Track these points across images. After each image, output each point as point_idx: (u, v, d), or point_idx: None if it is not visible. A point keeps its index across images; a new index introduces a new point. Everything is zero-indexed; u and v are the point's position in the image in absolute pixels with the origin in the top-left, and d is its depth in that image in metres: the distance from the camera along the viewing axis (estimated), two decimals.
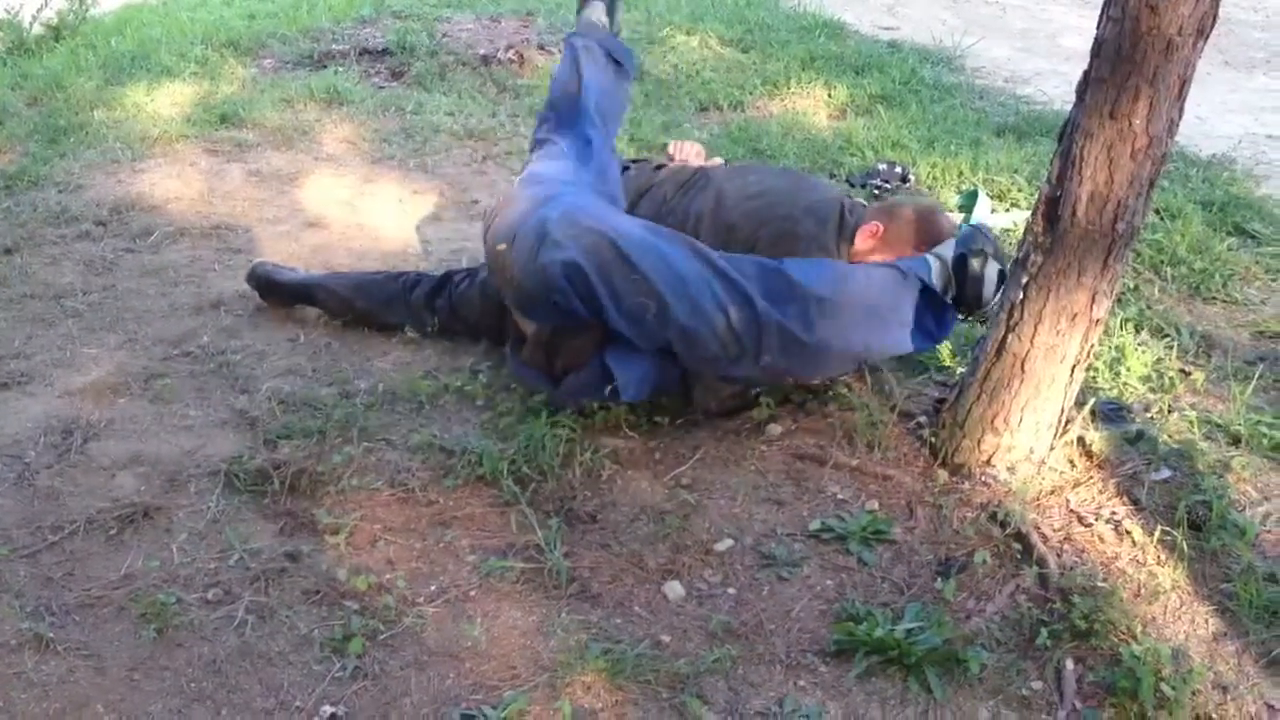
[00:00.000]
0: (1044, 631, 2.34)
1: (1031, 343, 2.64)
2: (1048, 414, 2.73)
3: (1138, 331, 3.46)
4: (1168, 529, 2.60)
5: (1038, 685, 2.26)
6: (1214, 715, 2.18)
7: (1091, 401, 2.93)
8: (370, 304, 3.40)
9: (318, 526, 2.60)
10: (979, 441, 2.79)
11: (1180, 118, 2.48)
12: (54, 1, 6.43)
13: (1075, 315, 2.59)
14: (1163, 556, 2.56)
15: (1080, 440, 2.85)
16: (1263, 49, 7.23)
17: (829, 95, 5.62)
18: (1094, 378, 3.16)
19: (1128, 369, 3.23)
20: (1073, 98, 2.54)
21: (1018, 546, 2.59)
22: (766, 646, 2.35)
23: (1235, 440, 2.95)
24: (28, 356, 3.20)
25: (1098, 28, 2.44)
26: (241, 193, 4.35)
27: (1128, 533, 2.62)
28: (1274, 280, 3.91)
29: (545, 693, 2.19)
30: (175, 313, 3.48)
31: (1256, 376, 3.21)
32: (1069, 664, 2.28)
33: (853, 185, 4.50)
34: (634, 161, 3.48)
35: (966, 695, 2.24)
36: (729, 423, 3.03)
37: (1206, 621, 2.41)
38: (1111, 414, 3.01)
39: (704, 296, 2.73)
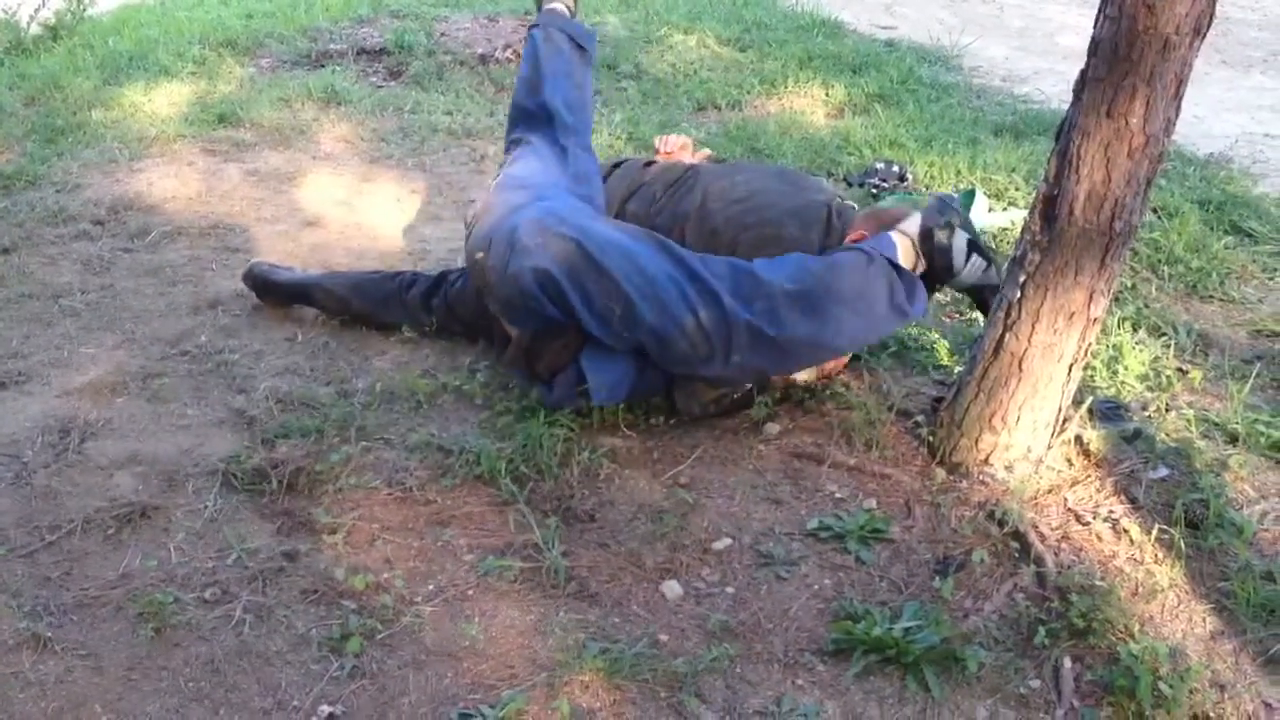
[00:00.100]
0: (1042, 630, 2.34)
1: (1029, 341, 2.64)
2: (1045, 413, 2.74)
3: (1135, 330, 3.47)
4: (1165, 527, 2.60)
5: (1035, 684, 2.26)
6: (1211, 714, 2.18)
7: (1089, 400, 2.93)
8: (367, 303, 3.39)
9: (315, 526, 2.60)
10: (977, 440, 2.79)
11: (1177, 116, 2.48)
12: (51, 1, 6.42)
13: (1073, 314, 2.60)
14: (1160, 555, 2.56)
15: (1078, 439, 2.86)
16: (1260, 48, 7.24)
17: (826, 94, 5.62)
18: (1091, 376, 3.16)
19: (1125, 368, 3.24)
20: (1070, 96, 2.54)
21: (1015, 545, 2.59)
22: (764, 645, 2.35)
23: (1233, 439, 2.95)
24: (25, 356, 3.20)
25: (1095, 27, 2.44)
26: (239, 192, 4.35)
27: (1125, 531, 2.62)
28: (1271, 279, 3.92)
29: (543, 692, 2.19)
30: (173, 312, 3.47)
31: (1254, 375, 3.21)
32: (1067, 662, 2.29)
33: (850, 184, 4.49)
34: (623, 160, 3.47)
35: (964, 694, 2.24)
36: (727, 422, 3.03)
37: (1204, 620, 2.41)
38: (1109, 413, 3.01)
39: (671, 296, 2.75)
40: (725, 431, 3.01)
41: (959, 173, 4.60)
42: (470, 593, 2.45)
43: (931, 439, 2.90)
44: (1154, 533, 2.59)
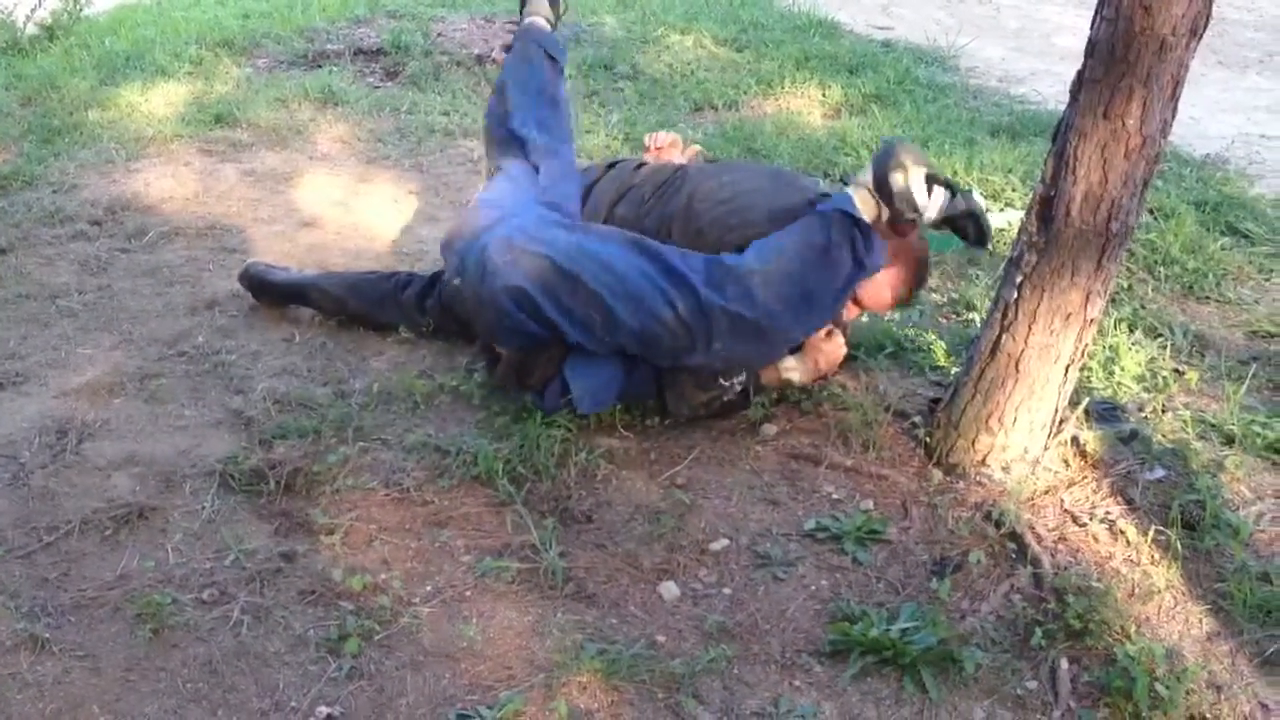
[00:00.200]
0: (1039, 631, 2.35)
1: (1026, 342, 2.64)
2: (1042, 414, 2.74)
3: (1132, 331, 3.47)
4: (1162, 529, 2.60)
5: (1032, 685, 2.26)
6: (1208, 714, 2.19)
7: (1086, 401, 2.94)
8: (363, 304, 3.39)
9: (313, 526, 2.60)
10: (973, 441, 2.79)
11: (1174, 117, 2.48)
12: (48, 1, 6.41)
13: (1069, 315, 2.60)
14: (1157, 556, 2.56)
15: (1074, 440, 2.86)
16: (1255, 49, 7.25)
17: (823, 95, 5.62)
18: (1088, 377, 3.16)
19: (1122, 369, 3.24)
20: (1066, 97, 2.54)
21: (1012, 546, 2.59)
22: (762, 646, 2.35)
23: (1229, 440, 2.96)
24: (23, 357, 3.20)
25: (1091, 28, 2.44)
26: (236, 192, 4.35)
27: (1122, 532, 2.63)
28: (1267, 280, 3.92)
29: (541, 693, 2.19)
30: (170, 313, 3.47)
31: (1250, 376, 3.22)
32: (1064, 664, 2.29)
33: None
34: (617, 161, 3.46)
35: (961, 695, 2.24)
36: (724, 423, 3.03)
37: (1201, 621, 2.42)
38: (1106, 414, 3.01)
39: (647, 292, 2.77)
40: (722, 432, 3.01)
41: (956, 173, 4.60)
42: (468, 594, 2.45)
43: (928, 440, 2.90)
44: (1150, 534, 2.60)
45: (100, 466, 2.76)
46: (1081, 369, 2.79)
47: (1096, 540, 2.62)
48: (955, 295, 3.72)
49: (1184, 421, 3.01)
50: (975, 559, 2.55)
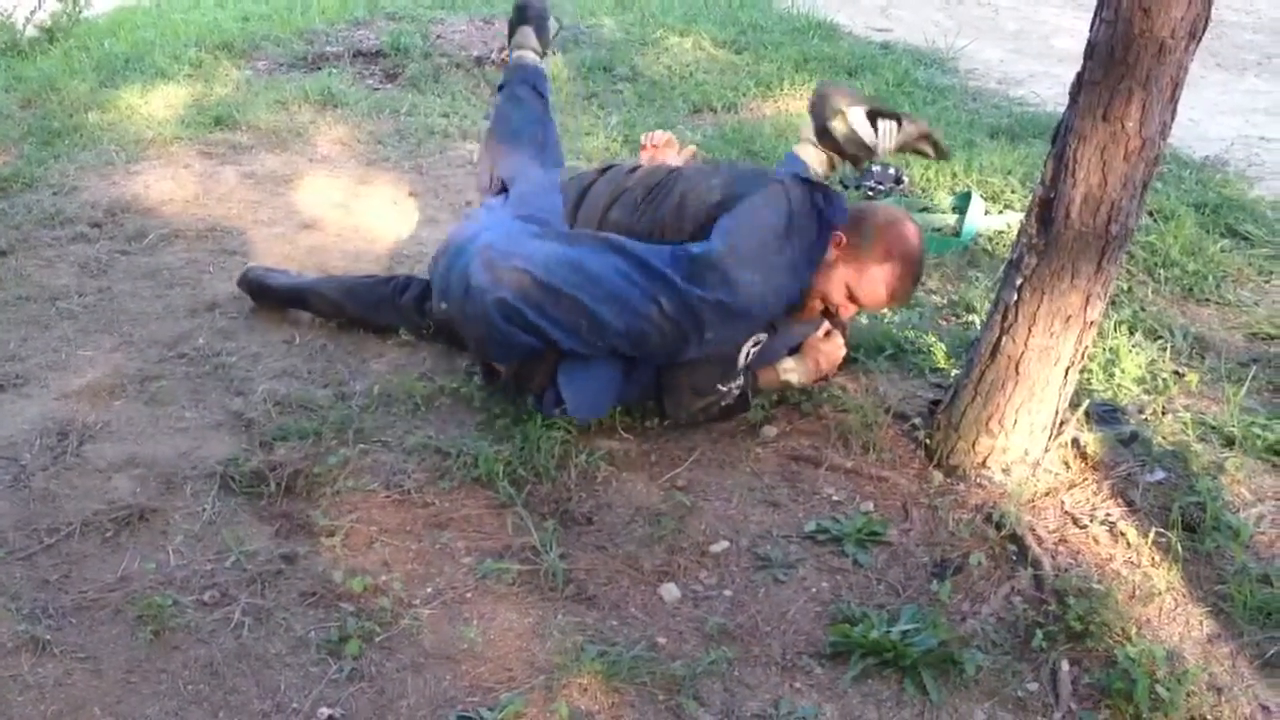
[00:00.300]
0: (1039, 633, 2.35)
1: (1026, 345, 2.65)
2: (1042, 416, 2.74)
3: (1131, 333, 3.47)
4: (1162, 531, 2.61)
5: (1033, 687, 2.27)
6: (1209, 716, 2.19)
7: (1086, 403, 2.94)
8: (361, 308, 3.39)
9: (314, 528, 2.60)
10: (974, 443, 2.80)
11: (1173, 120, 2.49)
12: (47, 3, 6.41)
13: (1069, 317, 2.60)
14: (1157, 558, 2.57)
15: (1075, 442, 2.86)
16: (1254, 51, 7.25)
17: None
18: (1088, 379, 3.17)
19: (1122, 371, 3.24)
20: (1065, 99, 2.55)
21: (1013, 548, 2.60)
22: (762, 648, 2.35)
23: (1229, 442, 2.96)
24: (23, 359, 3.20)
25: (1090, 30, 2.45)
26: (236, 195, 4.35)
27: (1122, 534, 2.63)
28: (1267, 281, 3.93)
29: (542, 694, 2.19)
30: (170, 315, 3.47)
31: (1250, 378, 3.22)
32: (1064, 665, 2.29)
33: (846, 187, 4.50)
34: (610, 165, 3.45)
35: (962, 697, 2.24)
36: (724, 425, 3.03)
37: (1201, 623, 2.42)
38: (1106, 416, 3.02)
39: (628, 292, 2.78)
40: (722, 434, 3.01)
41: (955, 175, 4.60)
42: (468, 595, 2.45)
43: (929, 442, 2.90)
44: (1151, 536, 2.60)
45: (101, 468, 2.76)
46: (1082, 371, 2.80)
47: (1097, 542, 2.62)
48: (955, 297, 3.73)
49: (1184, 423, 3.01)
50: (976, 561, 2.55)
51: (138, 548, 2.52)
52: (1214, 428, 3.01)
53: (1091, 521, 2.67)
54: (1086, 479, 2.80)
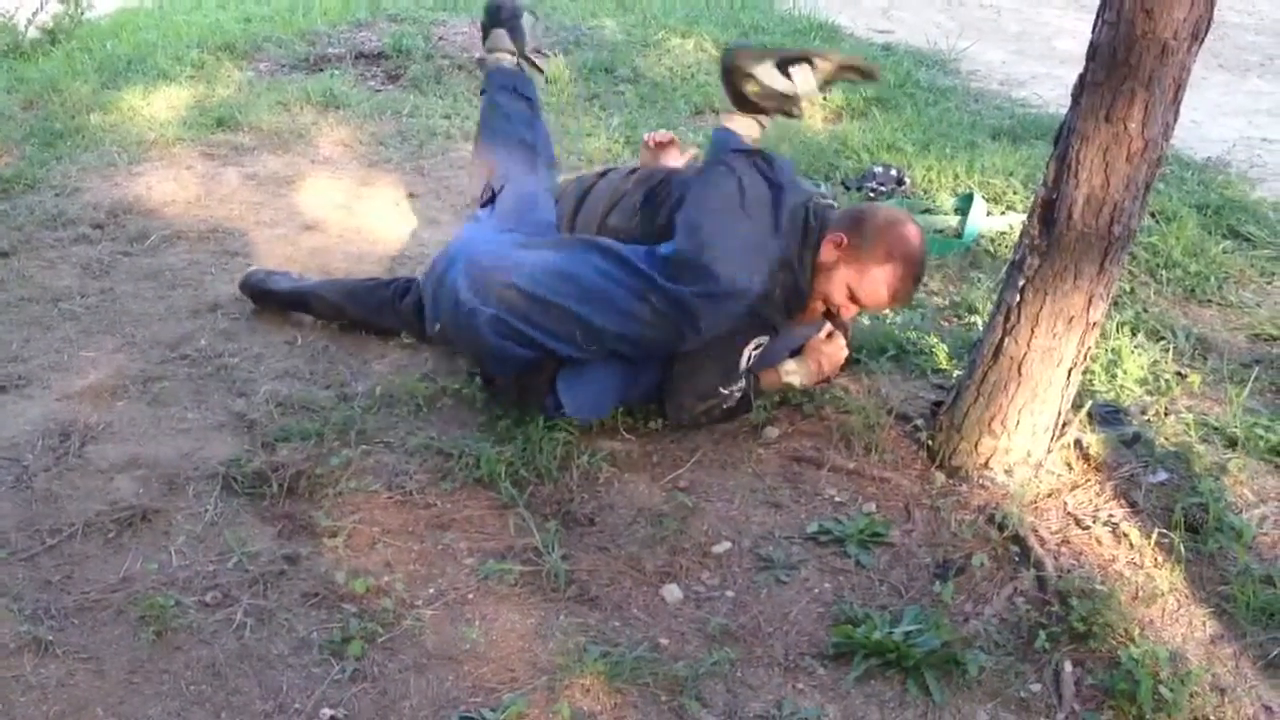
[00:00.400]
0: (1042, 634, 2.35)
1: (1028, 346, 2.64)
2: (1045, 417, 2.74)
3: (1134, 334, 3.47)
4: (1165, 532, 2.61)
5: (1036, 688, 2.27)
6: (1212, 717, 2.19)
7: (1088, 404, 2.94)
8: (362, 311, 3.39)
9: (316, 529, 2.60)
10: (976, 444, 2.79)
11: (1175, 121, 2.49)
12: (49, 5, 6.41)
13: (1072, 318, 2.60)
14: (1160, 559, 2.57)
15: (1077, 443, 2.86)
16: (1256, 52, 7.25)
17: (824, 98, 5.61)
18: (1090, 380, 3.17)
19: (1124, 372, 3.24)
20: (1068, 101, 2.55)
21: (1015, 549, 2.59)
22: (765, 649, 2.35)
23: (1232, 443, 2.96)
24: (25, 360, 3.20)
25: (1093, 31, 2.45)
26: (238, 196, 4.35)
27: (1125, 535, 2.63)
28: (1269, 283, 3.93)
29: (544, 695, 2.19)
30: (173, 316, 3.47)
31: (1252, 379, 3.22)
32: (1067, 666, 2.29)
33: (848, 188, 4.50)
34: (609, 170, 3.45)
35: (965, 698, 2.24)
36: (725, 426, 3.03)
37: (1204, 624, 2.42)
38: (1108, 417, 3.01)
39: (615, 293, 2.78)
40: (724, 435, 3.01)
41: (957, 176, 4.60)
42: (470, 596, 2.45)
43: (931, 443, 2.90)
44: (1154, 537, 2.60)
45: (103, 469, 2.76)
46: (1084, 372, 2.79)
47: (1100, 543, 2.62)
48: (957, 298, 3.73)
49: (1187, 424, 3.01)
50: (978, 562, 2.55)
51: (140, 548, 2.52)
52: (1216, 429, 3.01)
53: (1094, 522, 2.67)
54: (1089, 480, 2.80)
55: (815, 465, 2.89)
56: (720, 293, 2.74)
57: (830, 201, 3.09)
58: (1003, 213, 4.34)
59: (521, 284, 2.83)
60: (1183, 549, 2.56)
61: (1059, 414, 2.76)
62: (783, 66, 2.83)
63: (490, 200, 3.35)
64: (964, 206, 4.29)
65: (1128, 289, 3.77)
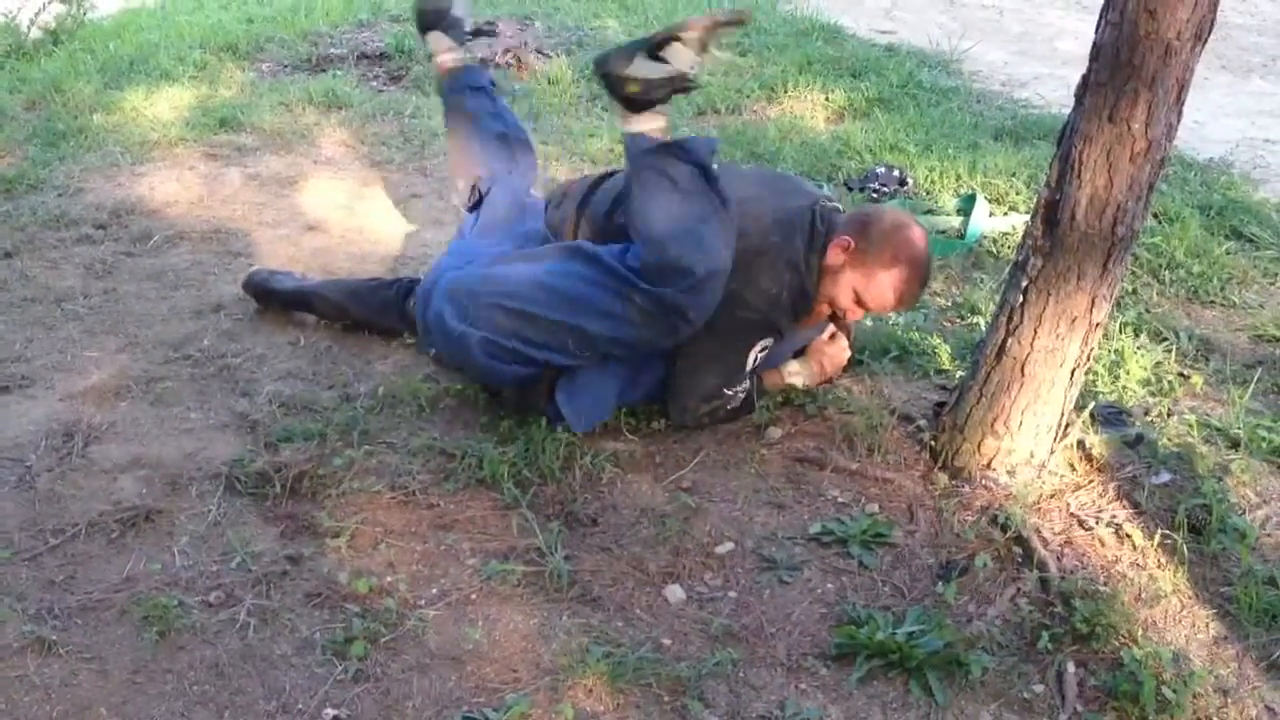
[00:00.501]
0: (1045, 635, 2.35)
1: (1031, 346, 2.64)
2: (1048, 417, 2.74)
3: (1137, 335, 3.47)
4: (1168, 532, 2.61)
5: (1039, 689, 2.27)
6: (1215, 719, 2.19)
7: (1091, 405, 2.94)
8: (364, 311, 3.39)
9: (319, 529, 2.60)
10: (979, 445, 2.79)
11: (1179, 121, 2.49)
12: (52, 5, 6.41)
13: (1075, 319, 2.60)
14: (1163, 560, 2.57)
15: (1080, 444, 2.86)
16: (1259, 53, 7.25)
17: (826, 99, 5.62)
18: (1093, 381, 3.17)
19: (1127, 372, 3.24)
20: (1070, 101, 2.55)
21: (1018, 550, 2.59)
22: (767, 650, 2.35)
23: (1234, 444, 2.96)
24: (28, 360, 3.20)
25: (1096, 32, 2.45)
26: (240, 196, 4.35)
27: (1128, 536, 2.63)
28: (1272, 284, 3.92)
29: (547, 696, 2.20)
30: (176, 316, 3.48)
31: (1255, 380, 3.22)
32: (1070, 667, 2.29)
33: (850, 189, 4.50)
34: (612, 171, 3.45)
35: (968, 699, 2.24)
36: (728, 426, 3.03)
37: (1207, 625, 2.42)
38: (1111, 417, 3.02)
39: (599, 297, 2.77)
40: (727, 436, 3.01)
41: (959, 177, 4.60)
42: (473, 596, 2.45)
43: (933, 444, 2.90)
44: (1156, 538, 2.60)
45: (106, 469, 2.76)
46: (1087, 373, 2.79)
47: (1102, 544, 2.62)
48: (960, 299, 3.73)
49: (1189, 425, 3.01)
50: (981, 563, 2.55)
51: (143, 548, 2.52)
52: (1219, 430, 3.01)
53: (1097, 523, 2.67)
54: (1092, 481, 2.80)
55: (818, 466, 2.89)
56: (699, 281, 2.72)
57: (836, 205, 3.08)
58: (1005, 213, 4.34)
59: (507, 303, 2.83)
60: (1186, 550, 2.56)
61: (1062, 415, 2.76)
62: (654, 54, 2.78)
63: (477, 204, 3.35)
64: (966, 207, 4.29)
65: (1130, 290, 3.77)
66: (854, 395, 3.11)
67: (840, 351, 3.09)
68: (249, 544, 2.54)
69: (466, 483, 2.78)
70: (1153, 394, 3.19)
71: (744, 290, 2.84)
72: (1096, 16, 2.45)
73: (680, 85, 2.80)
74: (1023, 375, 2.68)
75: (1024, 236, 2.67)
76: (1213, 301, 3.78)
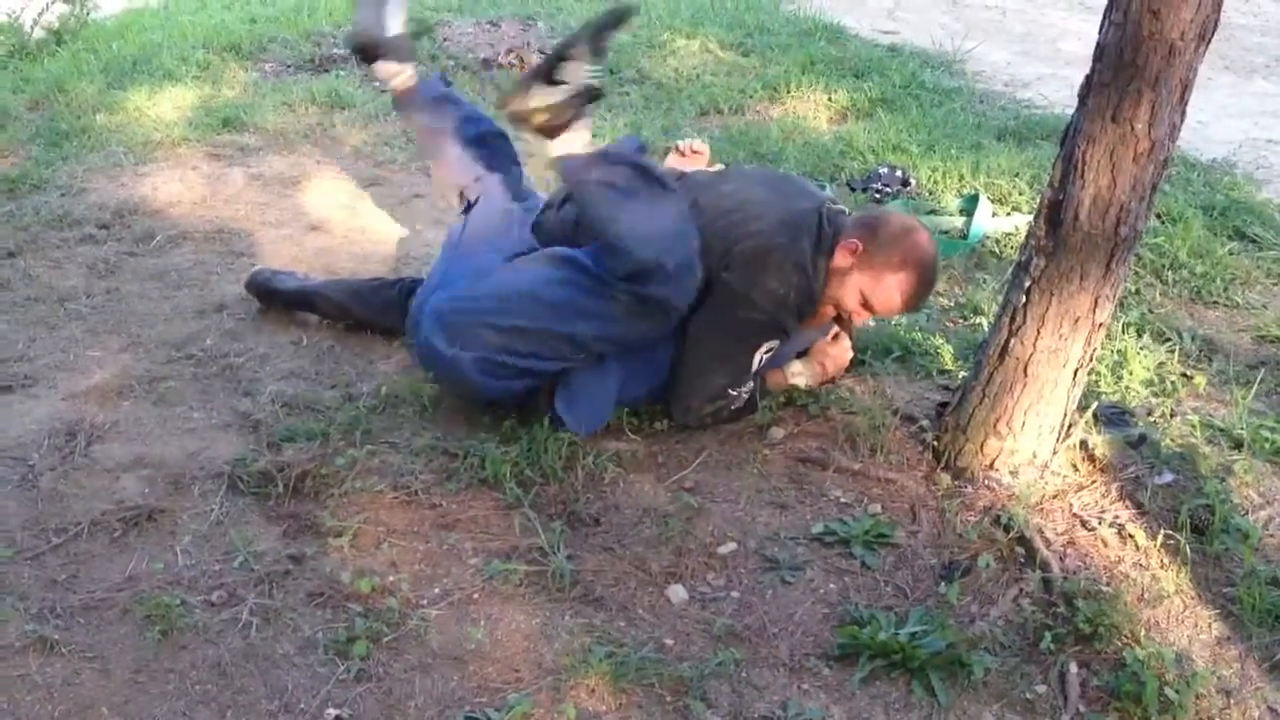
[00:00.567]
0: (1048, 635, 2.34)
1: (1034, 346, 2.64)
2: (1050, 418, 2.74)
3: (1140, 335, 3.47)
4: (1171, 533, 2.60)
5: (1042, 689, 2.26)
6: (1217, 719, 2.18)
7: (1094, 405, 2.94)
8: (366, 310, 3.39)
9: (321, 529, 2.60)
10: (982, 445, 2.79)
11: (1182, 122, 2.48)
12: (55, 5, 6.42)
13: (1078, 319, 2.60)
14: (1166, 560, 2.56)
15: (1083, 444, 2.86)
16: (1262, 54, 7.24)
17: (829, 99, 5.62)
18: (1096, 381, 3.16)
19: (1130, 373, 3.24)
20: (1073, 102, 2.54)
21: (1021, 550, 2.59)
22: (770, 650, 2.35)
23: (1237, 444, 2.96)
24: (31, 359, 3.21)
25: (1099, 32, 2.44)
26: (243, 196, 4.36)
27: (1131, 537, 2.63)
28: (1275, 284, 3.92)
29: (549, 695, 2.19)
30: (178, 316, 3.48)
31: (1258, 380, 3.22)
32: (1073, 668, 2.29)
33: (853, 189, 4.50)
34: None
35: (970, 699, 2.24)
36: (731, 426, 3.03)
37: (1210, 626, 2.42)
38: (1114, 418, 3.01)
39: (585, 299, 2.78)
40: (730, 436, 3.01)
41: (962, 177, 4.60)
42: (476, 596, 2.45)
43: (936, 444, 2.90)
44: (1159, 538, 2.60)
45: (109, 468, 2.76)
46: (1090, 373, 2.79)
47: (1105, 544, 2.62)
48: (962, 299, 3.72)
49: (1192, 426, 3.00)
50: (984, 563, 2.55)
51: (145, 548, 2.52)
52: (1222, 430, 3.01)
53: (1100, 524, 2.67)
54: (1095, 481, 2.80)
55: (820, 466, 2.89)
56: (674, 271, 2.72)
57: (841, 207, 3.08)
58: (1008, 214, 4.34)
59: (495, 319, 2.83)
60: (1188, 551, 2.56)
61: (1065, 415, 2.76)
62: (550, 78, 2.79)
63: (469, 209, 3.34)
64: (969, 207, 4.28)
65: (1133, 290, 3.77)
66: (856, 395, 3.11)
67: (843, 352, 3.09)
68: (251, 543, 2.54)
69: (469, 482, 2.78)
70: (1155, 394, 3.19)
71: (751, 291, 2.84)
72: (1100, 17, 2.45)
73: (583, 102, 2.82)
74: (1025, 375, 2.67)
75: (1027, 237, 2.67)
76: (1216, 302, 3.78)
